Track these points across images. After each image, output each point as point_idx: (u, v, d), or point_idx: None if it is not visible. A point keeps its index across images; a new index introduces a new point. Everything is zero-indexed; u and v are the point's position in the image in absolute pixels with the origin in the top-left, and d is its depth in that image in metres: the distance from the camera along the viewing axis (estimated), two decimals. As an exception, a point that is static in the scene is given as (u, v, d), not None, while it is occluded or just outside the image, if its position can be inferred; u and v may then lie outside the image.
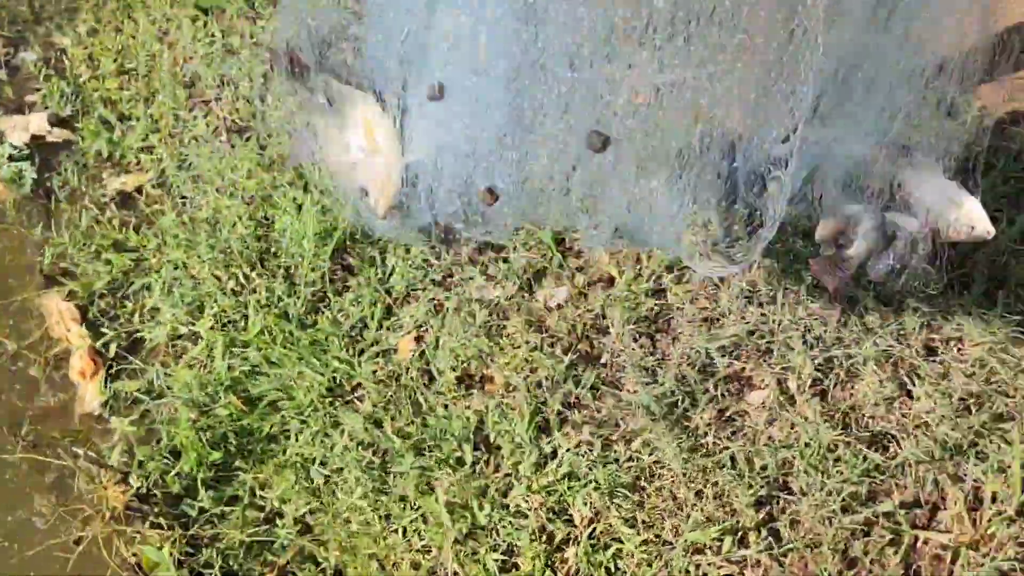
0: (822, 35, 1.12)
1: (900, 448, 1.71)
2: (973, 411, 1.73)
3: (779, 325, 1.87)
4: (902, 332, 1.84)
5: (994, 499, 1.65)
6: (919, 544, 1.63)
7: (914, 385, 1.78)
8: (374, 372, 1.90)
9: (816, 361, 1.82)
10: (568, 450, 1.75)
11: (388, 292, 2.02)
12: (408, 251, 2.06)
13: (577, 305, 1.95)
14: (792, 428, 1.74)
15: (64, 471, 1.85)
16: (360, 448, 1.81)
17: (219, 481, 1.83)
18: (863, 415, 1.76)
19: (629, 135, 1.25)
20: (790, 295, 1.92)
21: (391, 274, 2.04)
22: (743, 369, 1.85)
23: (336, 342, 1.95)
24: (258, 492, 1.82)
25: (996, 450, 1.69)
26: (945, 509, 1.66)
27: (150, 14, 2.70)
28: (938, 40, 1.34)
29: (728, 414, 1.79)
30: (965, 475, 1.68)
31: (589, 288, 1.97)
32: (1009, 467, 1.66)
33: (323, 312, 2.01)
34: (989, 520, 1.63)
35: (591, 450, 1.74)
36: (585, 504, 1.68)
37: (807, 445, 1.71)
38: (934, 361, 1.81)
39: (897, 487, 1.68)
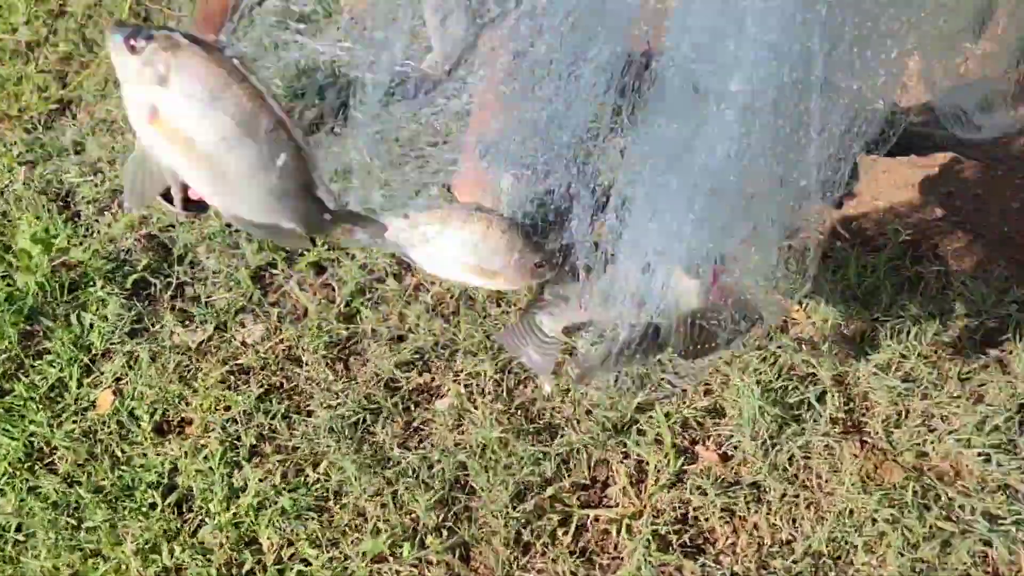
0: None
1: (571, 435, 1.82)
2: (635, 391, 1.86)
3: (462, 334, 1.97)
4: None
5: (656, 470, 1.78)
6: (589, 521, 1.73)
7: (584, 374, 1.90)
8: (71, 432, 1.90)
9: (497, 363, 1.92)
10: (260, 480, 1.79)
11: (88, 349, 2.03)
12: (105, 306, 2.07)
13: (272, 339, 2.00)
14: (475, 428, 1.83)
15: None
16: (54, 508, 1.80)
17: (-91, 564, 1.79)
18: (538, 409, 1.87)
19: None
20: (475, 305, 2.02)
21: (89, 331, 2.04)
22: (432, 380, 1.93)
23: (33, 406, 1.94)
24: (-48, 569, 1.79)
25: (654, 425, 1.82)
26: (613, 485, 1.78)
27: None
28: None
29: (415, 424, 1.87)
30: (629, 452, 1.80)
31: (283, 321, 2.02)
32: (663, 439, 1.79)
33: (19, 378, 1.99)
34: (650, 490, 1.75)
35: (278, 478, 1.78)
36: (273, 531, 1.72)
37: (483, 444, 1.80)
38: (603, 349, 1.93)
39: (569, 472, 1.78)
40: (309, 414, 1.88)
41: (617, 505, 1.75)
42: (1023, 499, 1.68)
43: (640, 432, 1.82)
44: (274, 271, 2.12)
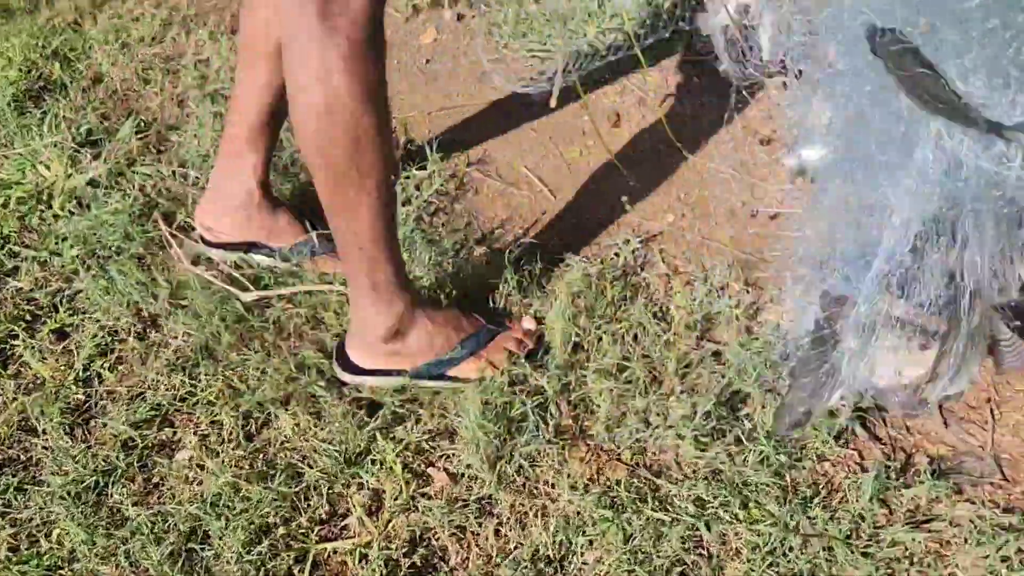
0: None
1: (307, 472, 1.84)
2: (366, 417, 1.90)
3: (202, 385, 1.98)
4: (321, 369, 2.00)
5: (392, 496, 1.82)
6: (326, 555, 1.76)
7: (325, 411, 1.93)
8: None
9: (240, 411, 1.94)
10: (-11, 558, 1.76)
11: None
12: None
13: (7, 412, 1.97)
14: (211, 477, 1.84)
15: None
16: None
17: None
18: (278, 450, 1.89)
19: None
20: (215, 354, 2.03)
21: None
22: (174, 434, 1.94)
23: None
24: None
25: (387, 453, 1.86)
26: (351, 516, 1.81)
27: None
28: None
29: (154, 481, 1.87)
30: (365, 483, 1.84)
31: (19, 393, 2.00)
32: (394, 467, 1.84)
33: None
34: (386, 516, 1.79)
35: (5, 552, 1.76)
36: (2, 607, 1.70)
37: (219, 492, 1.81)
38: (343, 385, 1.97)
39: (306, 509, 1.81)
40: (44, 483, 1.86)
41: (355, 536, 1.79)
42: (727, 481, 1.78)
43: (374, 462, 1.86)
44: (15, 343, 2.10)
